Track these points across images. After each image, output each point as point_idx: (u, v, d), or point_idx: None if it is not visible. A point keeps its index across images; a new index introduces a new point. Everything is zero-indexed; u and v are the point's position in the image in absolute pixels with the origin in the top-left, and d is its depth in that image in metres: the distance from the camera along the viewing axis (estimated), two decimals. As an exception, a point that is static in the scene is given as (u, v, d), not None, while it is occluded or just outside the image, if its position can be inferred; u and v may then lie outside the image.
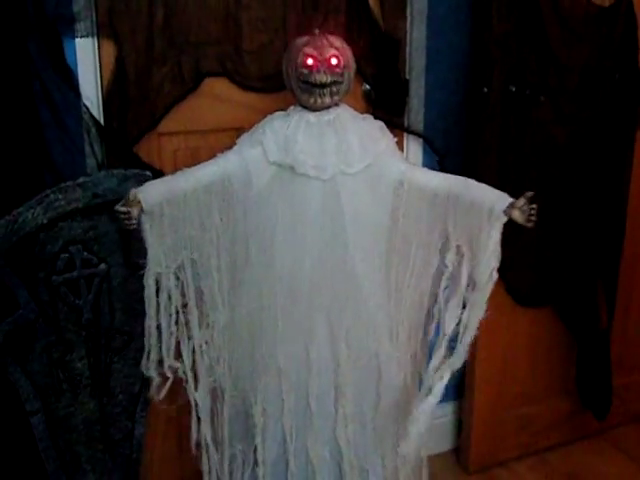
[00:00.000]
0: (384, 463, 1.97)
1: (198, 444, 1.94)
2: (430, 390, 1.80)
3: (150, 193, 1.70)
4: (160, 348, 1.80)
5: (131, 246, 1.86)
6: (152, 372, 1.82)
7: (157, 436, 2.21)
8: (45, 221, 1.84)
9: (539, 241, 2.40)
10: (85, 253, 1.92)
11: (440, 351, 1.80)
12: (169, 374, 1.83)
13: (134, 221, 1.66)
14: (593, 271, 2.51)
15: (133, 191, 1.67)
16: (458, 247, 1.79)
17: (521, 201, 1.69)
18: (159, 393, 1.84)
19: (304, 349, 1.85)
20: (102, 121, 1.93)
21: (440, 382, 1.79)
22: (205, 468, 1.98)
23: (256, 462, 1.93)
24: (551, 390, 2.67)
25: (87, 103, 1.88)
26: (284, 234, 1.79)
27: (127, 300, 1.96)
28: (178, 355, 1.85)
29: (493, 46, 2.17)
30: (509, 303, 2.45)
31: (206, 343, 1.88)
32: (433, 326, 1.89)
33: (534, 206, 1.69)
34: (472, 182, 1.79)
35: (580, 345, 2.59)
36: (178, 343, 1.85)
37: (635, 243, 2.61)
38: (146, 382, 2.05)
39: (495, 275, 1.74)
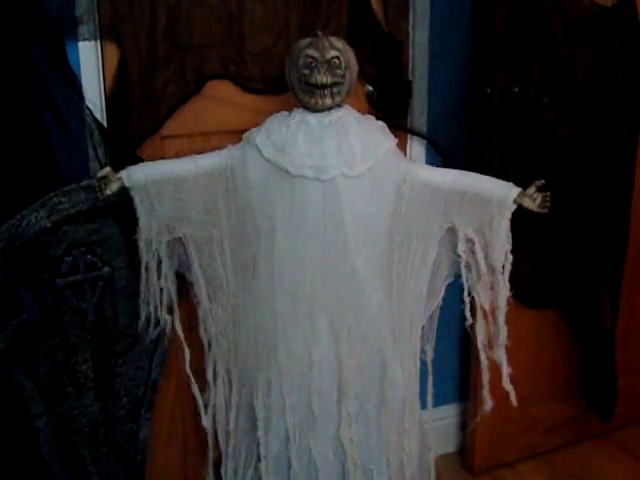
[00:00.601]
0: (389, 462, 1.97)
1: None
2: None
3: (134, 172, 1.81)
4: (155, 309, 1.90)
5: (135, 249, 1.86)
6: (150, 315, 1.91)
7: (161, 438, 2.21)
8: (49, 224, 1.84)
9: (543, 242, 2.39)
10: (89, 256, 1.92)
11: (484, 328, 1.94)
12: (162, 324, 1.93)
13: (106, 193, 1.78)
14: (597, 272, 2.51)
15: (107, 169, 1.79)
16: (467, 236, 1.86)
17: (532, 189, 1.82)
18: (151, 334, 1.94)
19: (306, 349, 1.85)
20: (105, 124, 1.93)
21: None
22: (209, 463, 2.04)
23: (259, 456, 1.94)
24: (556, 391, 2.67)
25: (90, 106, 1.89)
26: (285, 233, 1.80)
27: (131, 303, 1.95)
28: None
29: (496, 47, 2.17)
30: (513, 304, 2.44)
31: (212, 317, 1.95)
32: (436, 317, 1.99)
33: (548, 193, 1.82)
34: (476, 175, 1.89)
35: (584, 346, 2.58)
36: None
37: (639, 244, 2.60)
38: (150, 385, 2.06)
39: (510, 256, 1.86)
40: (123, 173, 1.79)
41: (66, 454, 2.00)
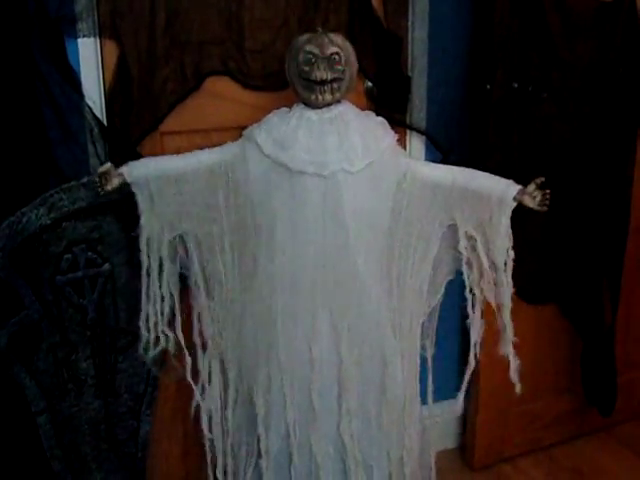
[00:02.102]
0: (389, 458, 1.97)
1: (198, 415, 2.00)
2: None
3: (136, 167, 1.81)
4: (155, 312, 1.88)
5: (135, 246, 1.86)
6: (147, 331, 1.89)
7: (162, 435, 2.22)
8: (49, 221, 1.84)
9: (543, 238, 2.40)
10: (89, 253, 1.92)
11: (476, 327, 1.93)
12: (162, 340, 1.90)
13: (107, 188, 1.77)
14: (597, 268, 2.51)
15: (108, 165, 1.78)
16: (467, 233, 1.86)
17: (531, 187, 1.80)
18: (149, 352, 1.91)
19: (306, 346, 1.85)
20: (105, 121, 1.93)
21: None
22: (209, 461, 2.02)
23: (259, 453, 1.94)
24: (556, 387, 2.67)
25: (90, 103, 1.89)
26: (285, 230, 1.80)
27: (131, 300, 1.96)
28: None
29: (495, 43, 2.17)
30: (514, 300, 2.44)
31: (211, 317, 1.94)
32: (436, 314, 1.99)
33: (548, 191, 1.80)
34: (476, 172, 1.87)
35: (585, 342, 2.59)
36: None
37: (639, 240, 2.60)
38: (151, 381, 2.06)
39: (512, 253, 1.85)
40: (124, 169, 1.79)
41: (67, 451, 2.00)
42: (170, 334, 1.90)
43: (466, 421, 2.62)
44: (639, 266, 2.68)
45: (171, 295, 1.90)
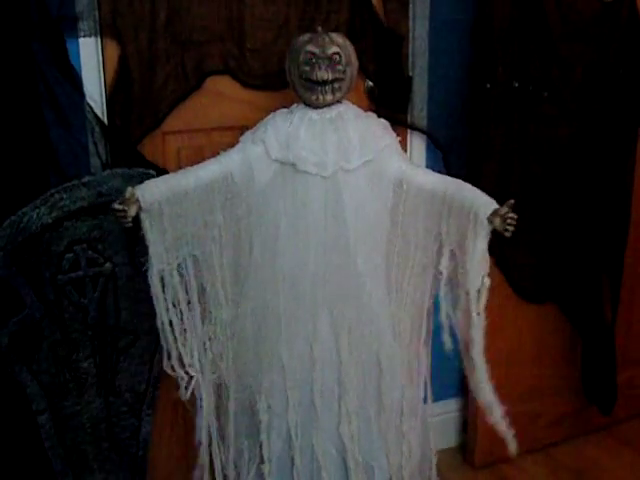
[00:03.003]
0: (389, 459, 1.97)
1: (201, 441, 1.95)
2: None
3: (149, 191, 1.71)
4: (177, 346, 1.82)
5: (136, 245, 1.86)
6: (178, 370, 1.84)
7: (163, 434, 2.22)
8: (50, 221, 1.84)
9: (543, 237, 2.40)
10: (90, 252, 1.92)
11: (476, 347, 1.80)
12: (192, 372, 1.84)
13: (130, 219, 1.67)
14: (597, 267, 2.51)
15: (130, 189, 1.68)
16: (452, 252, 1.80)
17: (504, 209, 1.67)
18: (188, 392, 1.85)
19: (307, 346, 1.86)
20: (106, 120, 1.94)
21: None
22: (205, 461, 1.98)
23: (262, 459, 1.93)
24: (556, 386, 2.67)
25: (91, 102, 1.89)
26: (287, 231, 1.80)
27: (132, 299, 1.96)
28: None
29: (496, 42, 2.17)
30: (514, 299, 2.45)
31: (209, 339, 1.89)
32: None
33: (513, 215, 1.65)
34: (467, 186, 1.78)
35: (585, 340, 2.59)
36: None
37: (639, 238, 2.60)
38: (152, 381, 2.06)
39: (487, 281, 1.72)
40: (138, 194, 1.68)
41: (68, 450, 2.00)
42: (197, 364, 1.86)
43: (467, 420, 2.62)
44: (639, 264, 2.68)
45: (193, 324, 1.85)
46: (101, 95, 1.93)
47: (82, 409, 2.01)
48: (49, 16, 1.79)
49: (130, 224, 1.68)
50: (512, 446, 1.86)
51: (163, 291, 1.77)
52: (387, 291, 1.89)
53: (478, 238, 1.70)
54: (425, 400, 2.03)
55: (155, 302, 1.78)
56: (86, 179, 1.87)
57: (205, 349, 1.88)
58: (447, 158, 2.27)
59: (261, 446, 1.92)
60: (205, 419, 1.93)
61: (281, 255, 1.81)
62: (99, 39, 1.90)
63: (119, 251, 1.95)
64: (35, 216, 1.82)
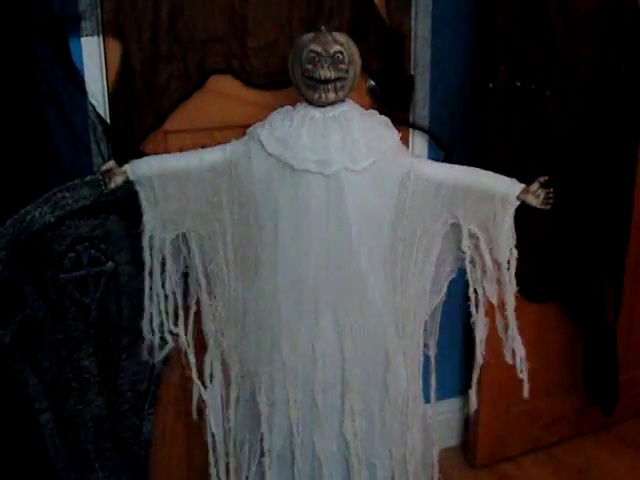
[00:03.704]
0: (392, 457, 1.97)
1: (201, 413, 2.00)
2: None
3: (139, 166, 1.81)
4: (159, 311, 1.89)
5: (138, 244, 1.86)
6: (150, 333, 1.90)
7: (165, 433, 2.22)
8: (52, 220, 1.84)
9: (546, 237, 2.40)
10: (92, 251, 1.92)
11: (480, 326, 1.93)
12: (169, 339, 1.91)
13: (111, 186, 1.78)
14: (599, 266, 2.51)
15: (111, 162, 1.78)
16: (470, 232, 1.86)
17: (535, 186, 1.81)
18: (157, 356, 1.92)
19: (309, 343, 1.85)
20: (108, 119, 1.93)
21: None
22: (212, 460, 2.01)
23: (262, 452, 1.94)
24: (558, 385, 2.67)
25: (93, 101, 1.89)
26: (288, 228, 1.80)
27: (134, 298, 1.96)
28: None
29: (498, 41, 2.17)
30: (516, 298, 2.45)
31: (213, 315, 1.93)
32: (439, 312, 1.99)
33: (551, 189, 1.80)
34: (480, 170, 1.87)
35: (587, 340, 2.59)
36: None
37: (641, 238, 2.61)
38: (154, 380, 2.06)
39: (515, 251, 1.85)
40: (127, 167, 1.79)
41: (70, 449, 2.00)
42: (175, 333, 1.91)
43: (468, 419, 2.62)
44: (641, 264, 2.69)
45: (174, 294, 1.90)
46: (103, 94, 1.93)
47: (84, 408, 2.01)
48: (51, 15, 1.78)
49: (107, 190, 1.79)
50: (526, 392, 2.01)
51: (152, 256, 1.85)
52: (392, 284, 1.90)
53: (507, 215, 1.82)
54: (428, 398, 2.04)
55: (145, 266, 1.86)
56: (88, 178, 1.87)
57: (209, 321, 1.93)
58: (449, 157, 2.26)
59: (262, 439, 1.92)
60: (210, 395, 1.97)
61: (283, 251, 1.81)
62: (102, 38, 1.89)
63: (121, 250, 1.95)
64: (37, 215, 1.82)
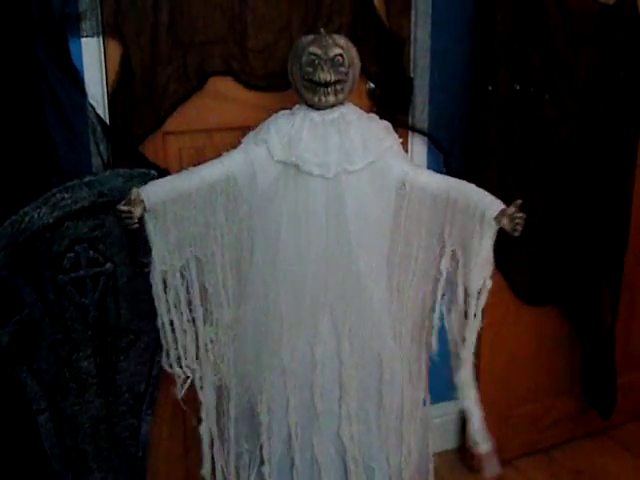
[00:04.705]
0: (389, 461, 1.97)
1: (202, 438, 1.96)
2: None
3: (153, 192, 1.71)
4: (177, 346, 1.83)
5: (137, 245, 1.86)
6: (175, 369, 1.85)
7: (163, 435, 2.22)
8: (51, 220, 1.84)
9: (544, 240, 2.40)
10: (91, 252, 1.92)
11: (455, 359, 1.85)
12: (188, 373, 1.85)
13: (136, 220, 1.67)
14: (597, 270, 2.52)
15: (135, 190, 1.67)
16: (453, 252, 1.79)
17: (511, 209, 1.67)
18: (182, 390, 1.86)
19: (308, 347, 1.86)
20: (108, 120, 1.94)
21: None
22: (207, 467, 1.98)
23: (262, 461, 1.93)
24: (556, 388, 2.68)
25: (93, 102, 1.89)
26: (288, 233, 1.80)
27: (133, 299, 1.96)
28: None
29: (497, 45, 2.17)
30: (514, 302, 2.46)
31: (211, 341, 1.89)
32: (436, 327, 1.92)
33: (521, 215, 1.66)
34: (470, 186, 1.78)
35: (585, 343, 2.59)
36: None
37: (639, 242, 2.60)
38: (152, 381, 2.06)
39: (489, 284, 1.73)
40: (143, 195, 1.68)
41: (68, 450, 2.00)
42: (196, 366, 1.87)
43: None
44: (639, 268, 2.68)
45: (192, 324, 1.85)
46: (103, 95, 1.93)
47: (82, 409, 2.01)
48: (51, 16, 1.78)
49: (136, 225, 1.68)
50: (491, 466, 1.87)
51: (165, 292, 1.77)
52: (389, 292, 1.89)
53: (484, 238, 1.70)
54: (424, 402, 2.03)
55: (156, 303, 1.78)
56: (87, 179, 1.87)
57: (207, 350, 1.88)
58: (448, 160, 2.27)
59: (261, 448, 1.92)
60: (206, 421, 1.92)
61: (282, 256, 1.81)
62: (101, 39, 1.90)
63: (120, 251, 1.95)
64: (36, 216, 1.82)
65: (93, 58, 1.90)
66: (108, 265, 1.95)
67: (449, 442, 2.66)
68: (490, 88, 2.19)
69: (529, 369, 2.60)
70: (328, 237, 1.79)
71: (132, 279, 1.96)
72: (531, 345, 2.57)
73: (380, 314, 1.88)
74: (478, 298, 1.75)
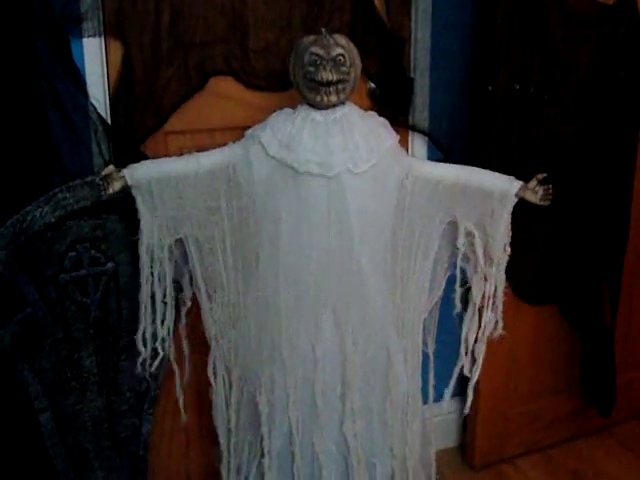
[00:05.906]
0: (392, 455, 1.98)
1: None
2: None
3: (137, 171, 1.80)
4: (154, 320, 1.88)
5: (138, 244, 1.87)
6: (143, 345, 1.89)
7: (164, 433, 2.22)
8: (53, 220, 1.85)
9: (544, 239, 2.40)
10: (93, 251, 1.93)
11: (473, 320, 1.97)
12: (160, 350, 1.91)
13: (110, 191, 1.77)
14: (597, 269, 2.52)
15: (110, 167, 1.78)
16: (467, 230, 1.89)
17: (533, 183, 1.86)
18: (145, 368, 1.91)
19: (310, 345, 1.86)
20: (109, 120, 1.94)
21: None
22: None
23: (262, 452, 1.94)
24: (556, 387, 2.68)
25: (94, 102, 1.90)
26: (289, 230, 1.80)
27: (134, 298, 1.95)
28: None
29: (497, 44, 2.17)
30: (514, 301, 2.45)
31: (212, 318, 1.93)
32: (437, 309, 2.02)
33: (550, 186, 1.85)
34: (479, 169, 1.92)
35: (584, 342, 2.59)
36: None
37: (639, 241, 2.61)
38: (153, 380, 2.07)
39: (509, 249, 1.89)
40: (126, 171, 1.78)
41: (69, 448, 2.01)
42: (167, 337, 1.91)
43: (466, 420, 2.62)
44: (639, 267, 2.69)
45: (172, 301, 1.90)
46: (104, 95, 1.94)
47: (83, 408, 2.01)
48: (53, 16, 1.79)
49: (105, 196, 1.79)
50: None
51: (151, 265, 1.84)
52: (392, 284, 1.91)
53: (504, 213, 1.86)
54: (426, 399, 2.05)
55: (141, 274, 1.85)
56: (89, 179, 1.87)
57: (209, 320, 1.93)
58: (448, 160, 2.27)
59: (262, 439, 1.93)
60: (217, 401, 1.99)
61: (283, 253, 1.82)
62: (103, 39, 1.90)
63: (121, 250, 1.96)
64: (38, 215, 1.83)
65: (95, 58, 1.91)
66: (110, 264, 1.96)
67: (451, 440, 2.67)
68: (490, 88, 2.20)
69: (528, 368, 2.60)
70: (330, 235, 1.80)
71: (134, 278, 1.96)
72: (531, 344, 2.57)
73: (383, 309, 1.90)
74: (499, 263, 1.91)
